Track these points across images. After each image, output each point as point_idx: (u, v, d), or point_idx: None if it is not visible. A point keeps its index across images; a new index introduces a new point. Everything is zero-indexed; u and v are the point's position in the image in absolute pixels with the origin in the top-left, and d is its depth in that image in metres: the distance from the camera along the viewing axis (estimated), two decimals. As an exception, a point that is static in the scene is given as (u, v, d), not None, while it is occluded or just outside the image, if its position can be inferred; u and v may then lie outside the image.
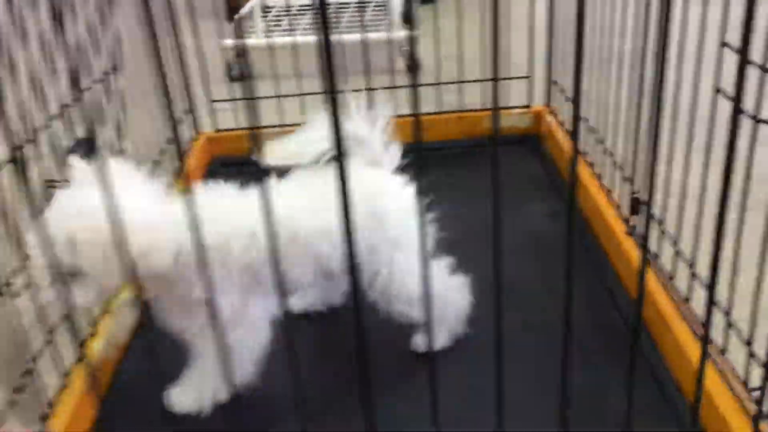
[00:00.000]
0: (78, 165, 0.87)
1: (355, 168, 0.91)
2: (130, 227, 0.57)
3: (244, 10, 2.52)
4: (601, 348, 1.12)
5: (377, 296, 1.02)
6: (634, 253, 1.22)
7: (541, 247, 1.38)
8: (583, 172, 1.49)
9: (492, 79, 0.47)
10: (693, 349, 1.01)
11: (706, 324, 0.62)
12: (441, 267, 1.06)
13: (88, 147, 1.25)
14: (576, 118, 0.53)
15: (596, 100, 1.43)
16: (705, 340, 0.62)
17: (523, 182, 1.64)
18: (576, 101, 0.52)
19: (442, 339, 1.10)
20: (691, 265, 1.05)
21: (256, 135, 0.56)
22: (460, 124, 1.80)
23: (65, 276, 0.82)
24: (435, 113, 1.81)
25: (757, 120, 0.80)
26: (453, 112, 1.82)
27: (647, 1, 1.13)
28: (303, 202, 0.95)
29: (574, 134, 0.52)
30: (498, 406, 0.57)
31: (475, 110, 1.81)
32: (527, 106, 1.83)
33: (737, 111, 0.56)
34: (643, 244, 0.61)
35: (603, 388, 1.03)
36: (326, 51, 0.42)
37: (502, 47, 1.76)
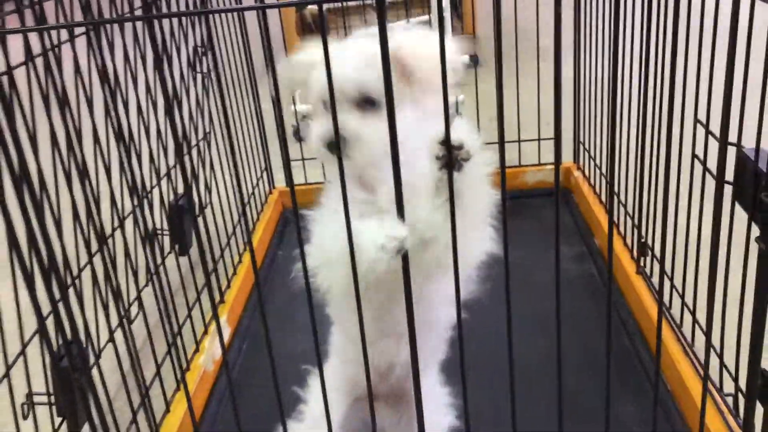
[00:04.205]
0: None
1: None
2: None
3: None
4: (613, 369, 1.33)
5: None
6: (643, 289, 1.44)
7: (566, 284, 1.61)
8: (604, 220, 1.72)
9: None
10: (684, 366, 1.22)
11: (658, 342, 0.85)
12: None
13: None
14: (557, 154, 0.77)
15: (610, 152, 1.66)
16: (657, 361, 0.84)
17: (553, 229, 1.86)
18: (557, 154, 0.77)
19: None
20: (683, 298, 1.27)
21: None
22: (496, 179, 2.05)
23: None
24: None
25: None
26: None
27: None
28: None
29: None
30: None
31: (510, 167, 2.06)
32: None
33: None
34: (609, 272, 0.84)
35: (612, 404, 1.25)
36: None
37: (533, 109, 1.99)
